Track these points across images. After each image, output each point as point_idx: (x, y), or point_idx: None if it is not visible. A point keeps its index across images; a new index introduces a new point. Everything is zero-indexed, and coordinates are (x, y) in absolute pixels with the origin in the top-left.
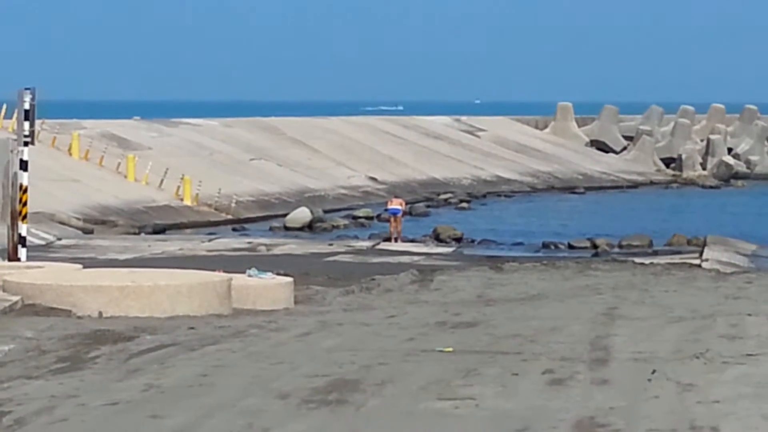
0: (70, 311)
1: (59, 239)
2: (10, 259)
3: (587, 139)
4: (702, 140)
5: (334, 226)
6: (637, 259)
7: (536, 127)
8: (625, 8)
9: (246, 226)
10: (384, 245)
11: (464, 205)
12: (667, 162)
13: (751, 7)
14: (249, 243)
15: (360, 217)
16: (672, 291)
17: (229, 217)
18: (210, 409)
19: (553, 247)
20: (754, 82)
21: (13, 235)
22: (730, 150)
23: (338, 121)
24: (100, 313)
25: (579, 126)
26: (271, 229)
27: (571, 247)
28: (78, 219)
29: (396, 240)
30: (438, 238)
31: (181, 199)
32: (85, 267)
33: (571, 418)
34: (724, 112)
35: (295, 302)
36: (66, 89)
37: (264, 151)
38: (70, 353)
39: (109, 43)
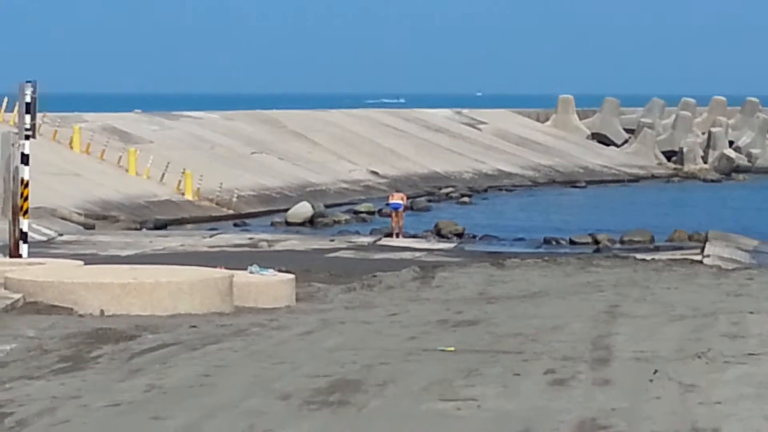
0: (71, 309)
1: (60, 235)
2: (11, 256)
3: (588, 132)
4: (703, 133)
5: (335, 221)
6: (639, 255)
7: (537, 120)
8: (626, 1)
9: (247, 221)
10: (385, 241)
11: (465, 199)
12: (669, 155)
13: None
14: (250, 239)
15: (361, 212)
16: (673, 288)
17: (231, 212)
18: (212, 410)
19: (554, 242)
20: (755, 74)
21: (14, 231)
22: (731, 143)
23: (339, 113)
24: (102, 311)
25: (580, 119)
26: (272, 224)
27: (572, 242)
28: (79, 214)
29: (397, 235)
30: (439, 234)
31: (183, 194)
32: (86, 263)
33: (573, 420)
34: (725, 105)
35: (297, 299)
36: (67, 82)
37: (265, 144)
38: (72, 353)
39: (111, 36)
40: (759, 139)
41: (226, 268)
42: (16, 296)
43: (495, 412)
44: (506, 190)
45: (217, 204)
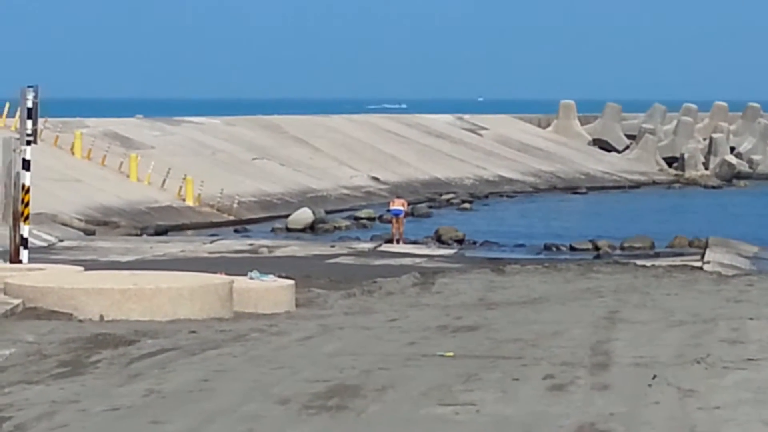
0: (71, 314)
1: (61, 240)
2: (11, 261)
3: (590, 138)
4: (705, 139)
5: (336, 227)
6: (639, 261)
7: (539, 126)
8: (627, 5)
9: (248, 227)
10: (386, 247)
11: (466, 205)
12: (670, 161)
13: (754, 4)
14: (251, 245)
15: (362, 218)
16: (673, 294)
17: (231, 218)
18: (211, 415)
19: (554, 248)
20: (757, 80)
21: (15, 237)
22: (732, 149)
23: (340, 119)
24: (102, 317)
25: (582, 124)
26: (273, 230)
27: (572, 248)
28: (80, 220)
29: (398, 241)
30: (440, 240)
31: (184, 200)
32: (86, 269)
33: (572, 424)
34: (727, 110)
35: (297, 305)
36: (68, 87)
37: (266, 150)
38: (71, 357)
39: (112, 41)
40: (760, 145)
41: (226, 273)
42: (16, 301)
43: (494, 417)
44: (507, 196)
45: (217, 210)
